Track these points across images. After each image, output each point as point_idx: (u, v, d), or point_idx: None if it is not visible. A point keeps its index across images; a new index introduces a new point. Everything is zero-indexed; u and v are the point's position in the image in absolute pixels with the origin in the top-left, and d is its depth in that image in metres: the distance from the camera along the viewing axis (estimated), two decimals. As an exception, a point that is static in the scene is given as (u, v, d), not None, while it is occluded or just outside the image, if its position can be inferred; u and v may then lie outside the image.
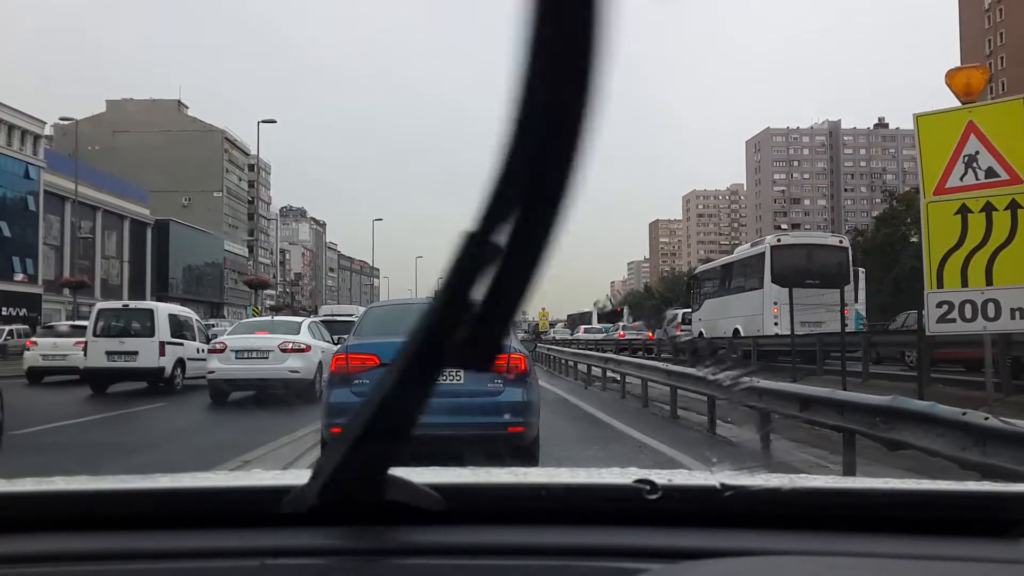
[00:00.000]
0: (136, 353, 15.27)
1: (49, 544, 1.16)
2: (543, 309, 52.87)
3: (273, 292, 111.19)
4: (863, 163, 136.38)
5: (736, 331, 21.11)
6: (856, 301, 19.86)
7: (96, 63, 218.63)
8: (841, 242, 21.50)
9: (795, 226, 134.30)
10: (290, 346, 12.95)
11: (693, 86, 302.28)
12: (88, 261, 59.55)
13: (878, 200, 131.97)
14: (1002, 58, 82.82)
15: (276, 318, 17.75)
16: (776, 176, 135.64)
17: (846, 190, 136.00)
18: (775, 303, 19.15)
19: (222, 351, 13.15)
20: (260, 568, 1.09)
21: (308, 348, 13.02)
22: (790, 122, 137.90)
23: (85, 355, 15.67)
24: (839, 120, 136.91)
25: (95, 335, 15.51)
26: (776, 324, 18.98)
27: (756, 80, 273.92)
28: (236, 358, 12.94)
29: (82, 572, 1.13)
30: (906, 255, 37.98)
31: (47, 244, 53.72)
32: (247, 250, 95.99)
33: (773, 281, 19.80)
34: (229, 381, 12.90)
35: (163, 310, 16.49)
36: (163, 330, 15.61)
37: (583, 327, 45.35)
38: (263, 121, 37.87)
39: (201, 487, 1.36)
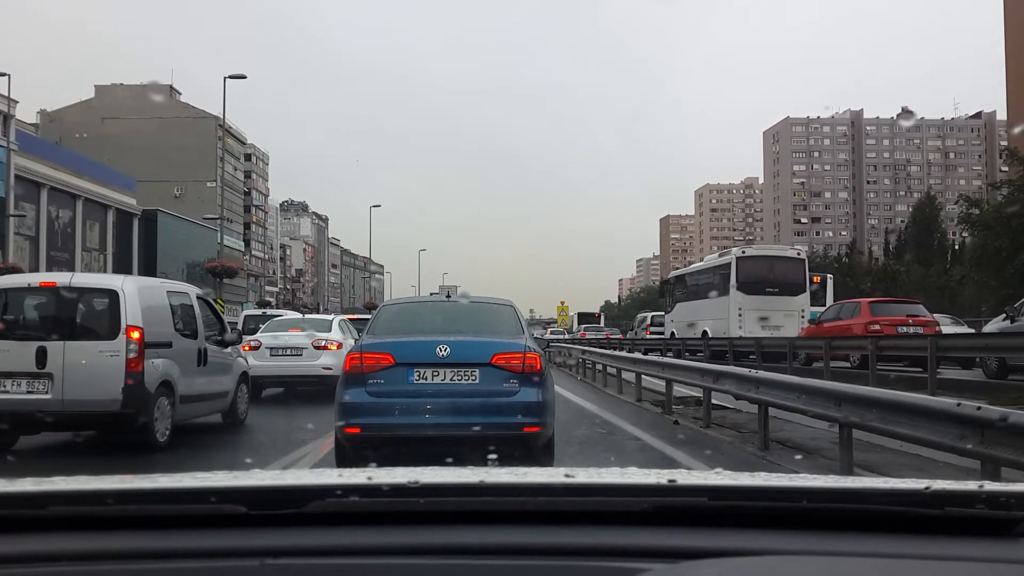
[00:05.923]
0: None
1: (49, 544, 1.17)
2: (562, 303, 48.38)
3: (274, 288, 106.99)
4: (886, 154, 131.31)
5: (704, 332, 22.46)
6: (824, 305, 21.71)
7: (85, 47, 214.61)
8: (799, 254, 23.70)
9: (815, 220, 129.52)
10: (323, 344, 13.22)
11: (704, 79, 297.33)
12: (67, 253, 55.28)
13: (902, 193, 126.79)
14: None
15: (307, 316, 18.77)
16: (795, 168, 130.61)
17: (868, 182, 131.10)
18: (739, 308, 21.27)
19: (257, 348, 13.11)
20: (260, 568, 1.11)
21: (339, 346, 13.16)
22: (807, 113, 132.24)
23: None
24: (861, 109, 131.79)
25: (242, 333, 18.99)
26: (740, 328, 20.78)
27: (771, 71, 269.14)
28: (271, 355, 13.17)
29: (82, 572, 1.14)
30: None
31: (20, 234, 49.24)
32: (243, 244, 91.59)
33: (738, 288, 21.58)
34: (264, 378, 12.79)
35: (291, 315, 19.21)
36: None
37: (549, 329, 48.48)
38: (230, 76, 33.26)
39: (201, 487, 1.34)
